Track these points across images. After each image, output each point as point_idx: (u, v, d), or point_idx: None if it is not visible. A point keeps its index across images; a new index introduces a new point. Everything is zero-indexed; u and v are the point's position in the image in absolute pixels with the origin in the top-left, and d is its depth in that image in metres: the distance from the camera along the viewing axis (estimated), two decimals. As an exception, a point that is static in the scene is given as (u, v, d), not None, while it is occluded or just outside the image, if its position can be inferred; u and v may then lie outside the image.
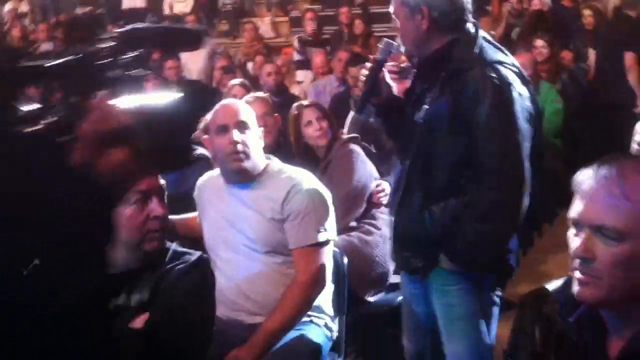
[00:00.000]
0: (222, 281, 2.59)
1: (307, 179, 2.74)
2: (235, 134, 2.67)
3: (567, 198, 1.47)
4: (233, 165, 2.70)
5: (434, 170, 2.42)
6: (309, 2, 10.54)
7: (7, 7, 11.31)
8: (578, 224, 1.39)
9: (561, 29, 7.18)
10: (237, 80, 5.11)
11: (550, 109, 5.31)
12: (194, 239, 2.81)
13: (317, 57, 6.79)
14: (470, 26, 2.46)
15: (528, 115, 2.38)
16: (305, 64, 7.14)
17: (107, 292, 2.11)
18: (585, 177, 1.40)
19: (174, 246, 2.21)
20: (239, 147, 2.66)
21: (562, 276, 1.54)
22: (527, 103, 2.40)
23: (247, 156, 2.68)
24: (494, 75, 2.34)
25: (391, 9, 2.50)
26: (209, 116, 2.77)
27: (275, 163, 2.82)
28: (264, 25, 10.10)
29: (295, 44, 8.26)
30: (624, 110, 5.79)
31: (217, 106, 2.75)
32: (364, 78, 2.57)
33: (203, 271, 2.18)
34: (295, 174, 2.76)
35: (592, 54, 6.60)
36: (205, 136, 2.83)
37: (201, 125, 2.88)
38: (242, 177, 2.74)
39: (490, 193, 2.33)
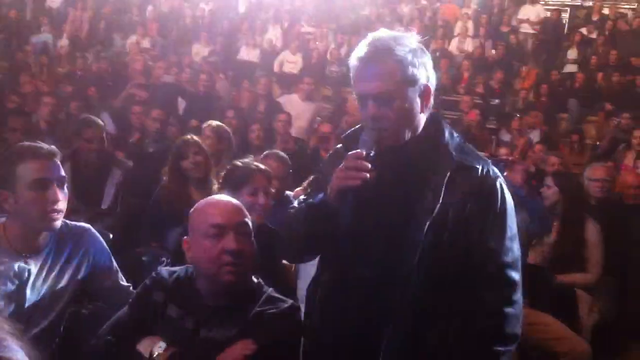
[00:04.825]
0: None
1: None
2: None
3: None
4: None
5: (427, 285, 2.01)
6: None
7: (130, 40, 12.05)
8: None
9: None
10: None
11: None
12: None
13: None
14: None
15: None
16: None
17: (198, 321, 2.22)
18: None
19: (270, 291, 2.30)
20: None
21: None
22: None
23: None
24: (498, 174, 2.11)
25: (377, 88, 1.99)
26: None
27: None
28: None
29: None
30: None
31: None
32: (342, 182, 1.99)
33: (293, 320, 2.24)
34: None
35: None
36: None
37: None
38: None
39: (497, 295, 2.06)
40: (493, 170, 2.10)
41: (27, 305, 2.52)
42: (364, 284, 2.06)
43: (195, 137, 4.51)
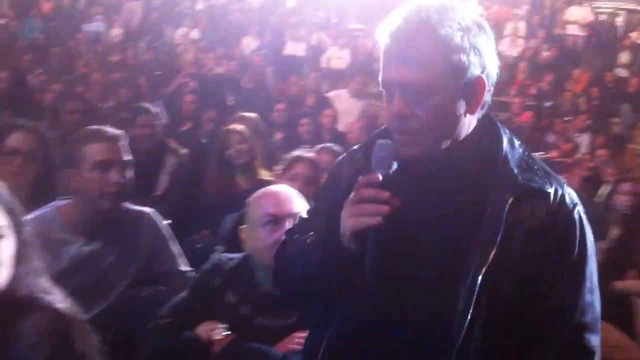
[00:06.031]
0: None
1: None
2: None
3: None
4: None
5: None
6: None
7: (180, 32, 12.17)
8: None
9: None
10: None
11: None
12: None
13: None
14: None
15: None
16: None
17: (255, 309, 2.23)
18: None
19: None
20: None
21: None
22: None
23: None
24: (576, 200, 1.56)
25: (407, 76, 1.48)
26: None
27: None
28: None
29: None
30: None
31: None
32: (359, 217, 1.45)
33: None
34: None
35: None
36: None
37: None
38: None
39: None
40: (570, 194, 1.54)
41: (86, 287, 2.55)
42: (393, 351, 1.53)
43: (239, 126, 4.56)
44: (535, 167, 1.56)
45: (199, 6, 13.46)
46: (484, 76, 1.50)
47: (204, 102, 7.00)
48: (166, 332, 2.29)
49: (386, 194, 1.42)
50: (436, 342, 1.48)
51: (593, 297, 1.55)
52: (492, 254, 1.45)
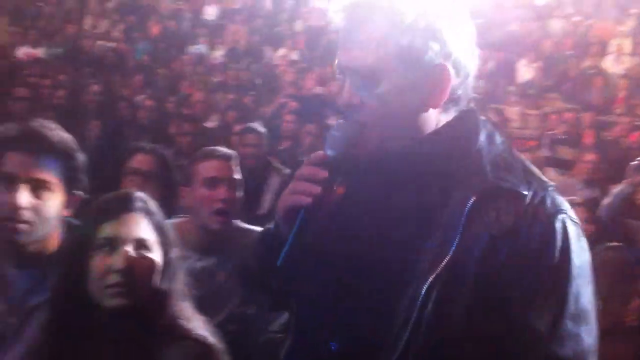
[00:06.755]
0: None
1: None
2: None
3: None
4: None
5: None
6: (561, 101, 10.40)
7: (280, 53, 12.43)
8: None
9: None
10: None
11: None
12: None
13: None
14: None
15: None
16: (554, 162, 7.09)
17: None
18: None
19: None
20: None
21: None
22: None
23: None
24: (562, 207, 1.30)
25: (353, 60, 1.34)
26: None
27: None
28: (513, 114, 10.08)
29: (545, 140, 8.20)
30: None
31: None
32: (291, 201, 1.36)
33: None
34: None
35: None
36: None
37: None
38: None
39: None
40: (554, 200, 1.30)
41: (199, 302, 2.64)
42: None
43: None
44: (516, 165, 1.33)
45: (298, 27, 13.72)
46: (448, 65, 1.32)
47: (304, 122, 7.15)
48: (278, 348, 2.35)
49: (322, 173, 1.31)
50: (373, 355, 1.29)
51: (579, 326, 1.25)
52: (445, 260, 1.23)
